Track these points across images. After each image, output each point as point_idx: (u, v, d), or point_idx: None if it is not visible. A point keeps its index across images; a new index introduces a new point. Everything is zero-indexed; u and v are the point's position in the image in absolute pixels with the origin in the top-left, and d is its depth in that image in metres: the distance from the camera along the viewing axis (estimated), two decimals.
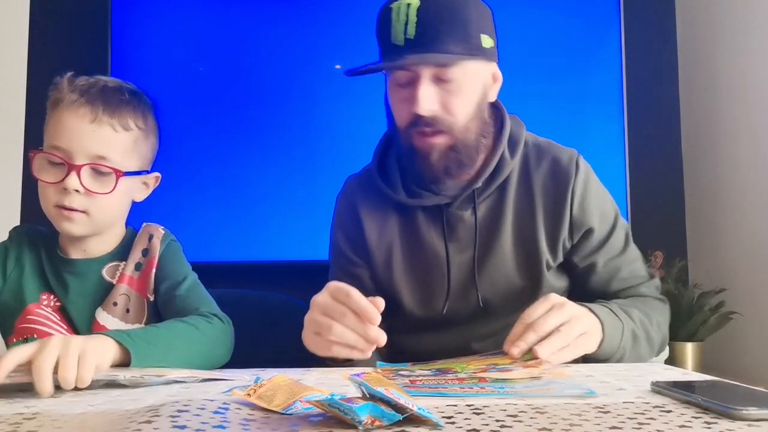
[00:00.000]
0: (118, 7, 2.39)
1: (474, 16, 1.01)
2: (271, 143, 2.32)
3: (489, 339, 1.12)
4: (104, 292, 1.06)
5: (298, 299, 1.54)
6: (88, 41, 2.47)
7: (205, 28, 2.38)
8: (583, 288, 1.14)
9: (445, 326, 1.13)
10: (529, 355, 0.90)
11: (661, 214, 2.40)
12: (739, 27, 2.18)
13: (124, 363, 0.83)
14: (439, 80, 1.01)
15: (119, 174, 1.01)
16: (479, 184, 1.10)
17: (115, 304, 1.05)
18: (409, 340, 1.15)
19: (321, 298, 0.89)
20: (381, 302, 0.86)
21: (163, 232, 1.12)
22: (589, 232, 1.10)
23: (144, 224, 1.14)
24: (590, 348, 0.93)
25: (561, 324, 0.89)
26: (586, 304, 0.98)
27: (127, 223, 1.14)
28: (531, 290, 1.10)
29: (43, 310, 1.04)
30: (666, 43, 2.48)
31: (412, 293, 1.13)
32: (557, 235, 1.10)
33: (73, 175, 0.98)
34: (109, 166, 1.00)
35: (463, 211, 1.11)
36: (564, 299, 0.93)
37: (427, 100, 1.00)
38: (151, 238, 1.10)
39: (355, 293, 0.87)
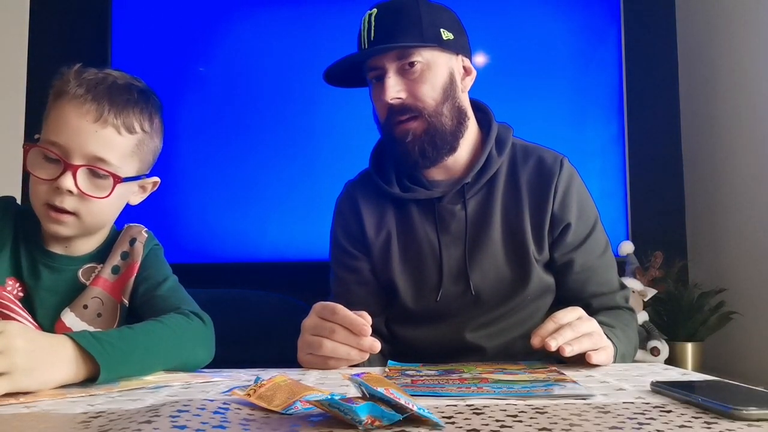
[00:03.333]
0: (118, 8, 2.39)
1: (426, 14, 1.12)
2: (271, 143, 2.32)
3: (482, 330, 1.16)
4: (75, 293, 1.00)
5: (298, 299, 1.55)
6: (89, 42, 2.48)
7: (205, 28, 2.38)
8: (561, 287, 1.19)
9: (440, 317, 1.17)
10: (539, 364, 0.94)
11: (661, 214, 2.40)
12: (739, 26, 2.18)
13: (92, 375, 0.77)
14: (403, 71, 1.11)
15: (117, 180, 0.95)
16: (468, 179, 1.17)
17: (85, 306, 0.99)
18: (407, 331, 1.20)
19: (309, 320, 0.95)
20: (368, 315, 0.92)
21: (147, 235, 1.07)
22: (567, 227, 1.16)
23: (126, 225, 1.09)
24: (605, 361, 0.95)
25: (591, 332, 0.94)
26: None
27: (121, 220, 1.11)
28: (520, 282, 1.15)
29: (8, 293, 0.97)
30: (666, 43, 2.48)
31: (408, 283, 1.18)
32: (542, 229, 1.16)
33: (68, 176, 0.92)
34: (107, 170, 0.94)
35: (454, 206, 1.18)
36: (587, 315, 0.97)
37: (392, 89, 1.10)
38: (133, 241, 1.05)
39: (341, 309, 0.92)
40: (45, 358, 0.74)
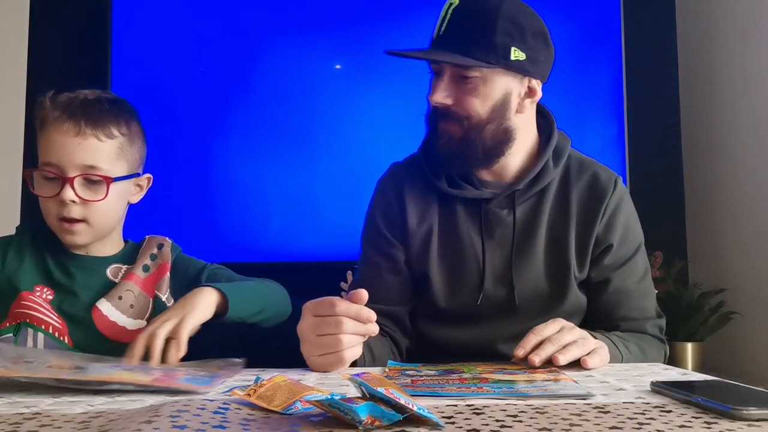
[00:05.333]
0: (118, 8, 2.39)
1: (504, 27, 1.06)
2: (272, 143, 2.32)
3: (515, 341, 1.11)
4: (107, 288, 1.12)
5: (298, 299, 1.54)
6: (89, 41, 2.48)
7: (205, 28, 2.38)
8: (592, 307, 1.16)
9: (473, 321, 1.14)
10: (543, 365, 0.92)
11: (661, 214, 2.40)
12: (739, 26, 2.18)
13: (222, 312, 1.00)
14: (459, 78, 1.09)
15: (109, 181, 1.07)
16: (521, 186, 1.14)
17: (120, 298, 1.11)
18: (437, 330, 1.17)
19: (307, 322, 0.91)
20: (364, 294, 0.89)
21: (171, 242, 1.20)
22: (608, 248, 1.13)
23: (147, 236, 1.20)
24: (600, 363, 0.94)
25: (575, 340, 0.92)
26: (588, 331, 0.99)
27: (129, 225, 1.19)
28: (557, 297, 1.12)
29: (36, 298, 1.09)
30: (666, 43, 2.48)
31: (443, 280, 1.15)
32: (586, 249, 1.13)
33: (67, 188, 1.04)
34: (98, 174, 1.06)
35: (502, 210, 1.15)
36: (571, 324, 0.96)
37: (440, 93, 1.09)
38: (161, 246, 1.18)
39: (338, 301, 0.89)
40: (195, 301, 0.98)
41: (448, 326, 1.16)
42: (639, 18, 2.41)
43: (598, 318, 1.15)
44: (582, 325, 1.13)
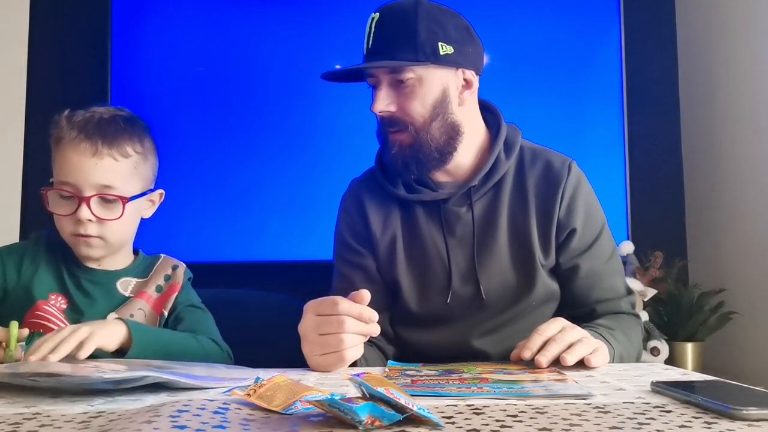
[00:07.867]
0: (118, 8, 2.39)
1: (425, 26, 1.09)
2: (272, 143, 2.32)
3: (487, 336, 1.14)
4: (117, 302, 1.14)
5: (298, 299, 1.54)
6: (89, 40, 2.48)
7: (205, 29, 2.38)
8: (566, 293, 1.18)
9: (445, 321, 1.16)
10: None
11: (661, 214, 2.40)
12: (739, 27, 2.18)
13: (125, 348, 0.97)
14: (396, 84, 1.11)
15: (125, 201, 1.09)
16: (475, 182, 1.15)
17: (131, 315, 1.12)
18: (411, 334, 1.18)
19: (308, 321, 0.92)
20: (366, 294, 0.90)
21: (185, 266, 1.23)
22: (572, 233, 1.15)
23: (163, 256, 1.24)
24: (603, 362, 0.94)
25: (579, 339, 0.93)
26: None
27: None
28: (526, 287, 1.14)
29: (51, 307, 1.10)
30: (666, 43, 2.48)
31: (412, 285, 1.17)
32: (548, 235, 1.15)
33: (84, 207, 1.06)
34: (114, 194, 1.08)
35: (460, 208, 1.16)
36: (571, 323, 0.97)
37: (381, 102, 1.11)
38: (175, 267, 1.21)
39: (341, 300, 0.90)
40: (106, 327, 0.97)
41: (422, 329, 1.17)
42: (639, 18, 2.41)
43: (573, 303, 1.17)
44: (558, 311, 1.17)
